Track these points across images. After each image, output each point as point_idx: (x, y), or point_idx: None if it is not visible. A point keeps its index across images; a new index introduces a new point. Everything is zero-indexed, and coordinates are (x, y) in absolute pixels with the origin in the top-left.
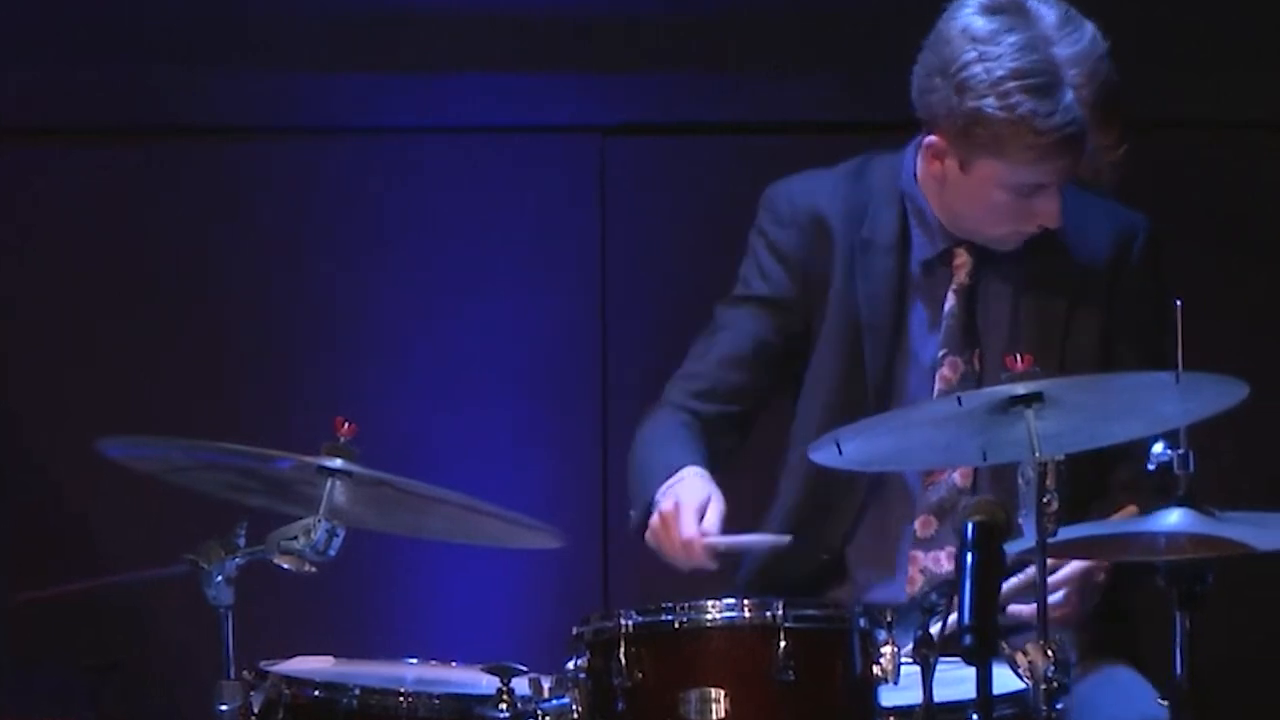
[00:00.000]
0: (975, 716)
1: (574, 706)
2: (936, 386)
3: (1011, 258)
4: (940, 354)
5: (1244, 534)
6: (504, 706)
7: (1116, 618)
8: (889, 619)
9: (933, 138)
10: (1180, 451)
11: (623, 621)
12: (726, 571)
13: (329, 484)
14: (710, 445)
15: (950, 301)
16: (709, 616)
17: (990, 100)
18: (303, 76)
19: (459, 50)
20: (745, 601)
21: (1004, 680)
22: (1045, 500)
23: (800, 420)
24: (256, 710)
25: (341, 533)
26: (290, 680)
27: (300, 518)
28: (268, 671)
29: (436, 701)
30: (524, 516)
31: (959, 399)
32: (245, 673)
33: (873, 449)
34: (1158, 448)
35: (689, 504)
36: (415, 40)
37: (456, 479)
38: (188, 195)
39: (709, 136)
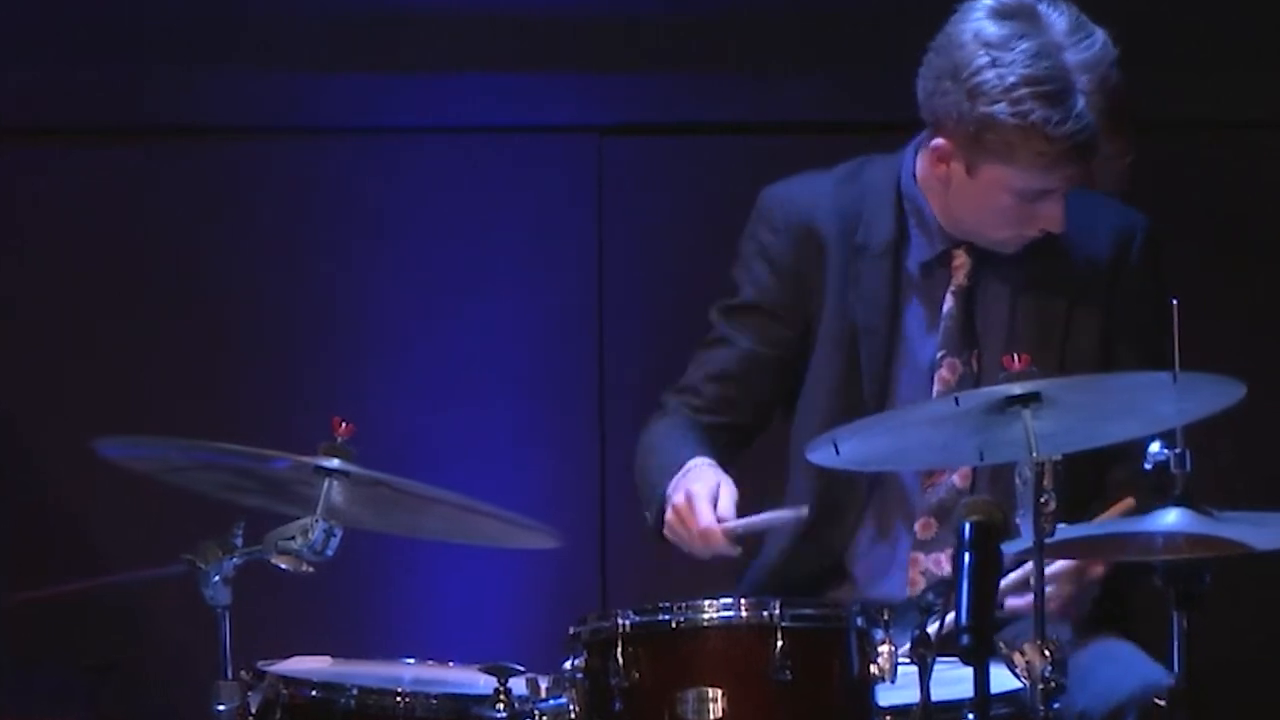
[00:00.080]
0: (972, 716)
1: (571, 706)
2: (935, 388)
3: (1010, 259)
4: (939, 355)
5: (1241, 533)
6: (501, 706)
7: (1115, 618)
8: (886, 618)
9: (939, 141)
10: (1177, 451)
11: (620, 621)
12: (727, 571)
13: (326, 484)
14: (715, 443)
15: (949, 303)
16: (706, 616)
17: (1002, 106)
18: (301, 77)
19: (457, 50)
20: (742, 601)
21: (1001, 680)
22: (1042, 500)
23: (800, 424)
24: (254, 710)
25: (339, 533)
26: (288, 680)
27: (297, 518)
28: (265, 671)
29: (434, 701)
30: (521, 516)
31: (956, 399)
32: (243, 673)
33: (870, 449)
34: (1154, 447)
35: (701, 493)
36: (413, 40)
37: (454, 479)
38: (186, 195)
39: (707, 136)
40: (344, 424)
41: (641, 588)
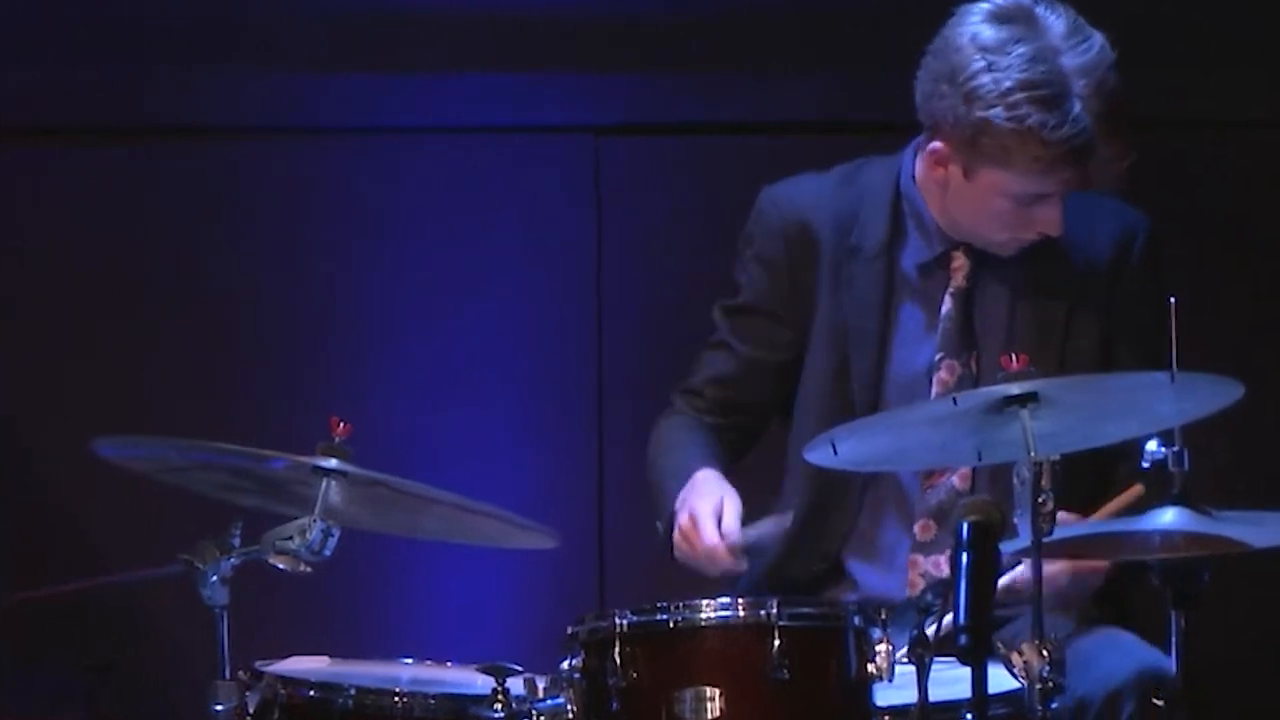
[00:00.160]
0: (970, 716)
1: (569, 706)
2: (934, 389)
3: (1010, 260)
4: (937, 357)
5: (1239, 532)
6: (499, 706)
7: (1116, 618)
8: (884, 618)
9: (936, 144)
10: (1175, 449)
11: (618, 621)
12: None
13: (324, 484)
14: (720, 442)
15: (947, 304)
16: (703, 616)
17: (998, 111)
18: (301, 77)
19: (455, 51)
20: (740, 600)
21: (999, 680)
22: (1040, 500)
23: (795, 427)
24: (252, 710)
25: (337, 533)
26: (285, 680)
27: (295, 518)
28: (263, 671)
29: (432, 701)
30: (519, 516)
31: (954, 399)
32: (240, 673)
33: (868, 449)
34: (1152, 445)
35: (704, 511)
36: (412, 41)
37: (452, 479)
38: (186, 195)
39: (705, 136)
40: (341, 424)
41: (639, 587)
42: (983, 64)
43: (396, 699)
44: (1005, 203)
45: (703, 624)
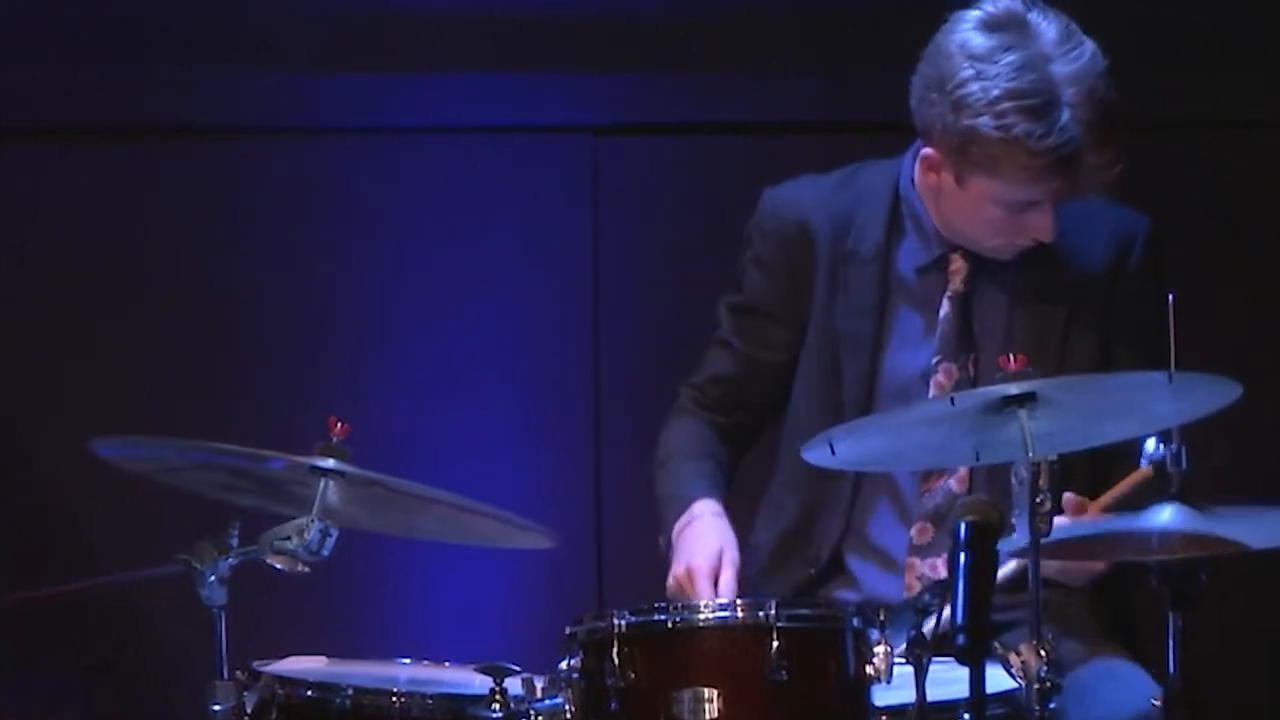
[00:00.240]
0: (968, 716)
1: (567, 706)
2: (931, 392)
3: (1008, 264)
4: (935, 360)
5: (1237, 532)
6: (497, 707)
7: (1116, 617)
8: (882, 618)
9: (929, 150)
10: (1173, 449)
11: (616, 621)
12: None
13: (322, 484)
14: (723, 440)
15: (945, 308)
16: (702, 616)
17: (985, 119)
18: (301, 77)
19: (454, 50)
20: (738, 601)
21: (997, 680)
22: (1038, 500)
23: (788, 431)
24: (249, 710)
25: (334, 533)
26: (283, 680)
27: (293, 518)
28: (261, 671)
29: (429, 702)
30: (517, 516)
31: (952, 399)
32: (238, 673)
33: (865, 449)
34: (1150, 445)
35: (701, 569)
36: (411, 41)
37: (449, 479)
38: (186, 195)
39: (704, 136)
40: (339, 424)
41: (637, 588)
42: (971, 72)
43: (394, 699)
44: (996, 209)
45: (701, 625)
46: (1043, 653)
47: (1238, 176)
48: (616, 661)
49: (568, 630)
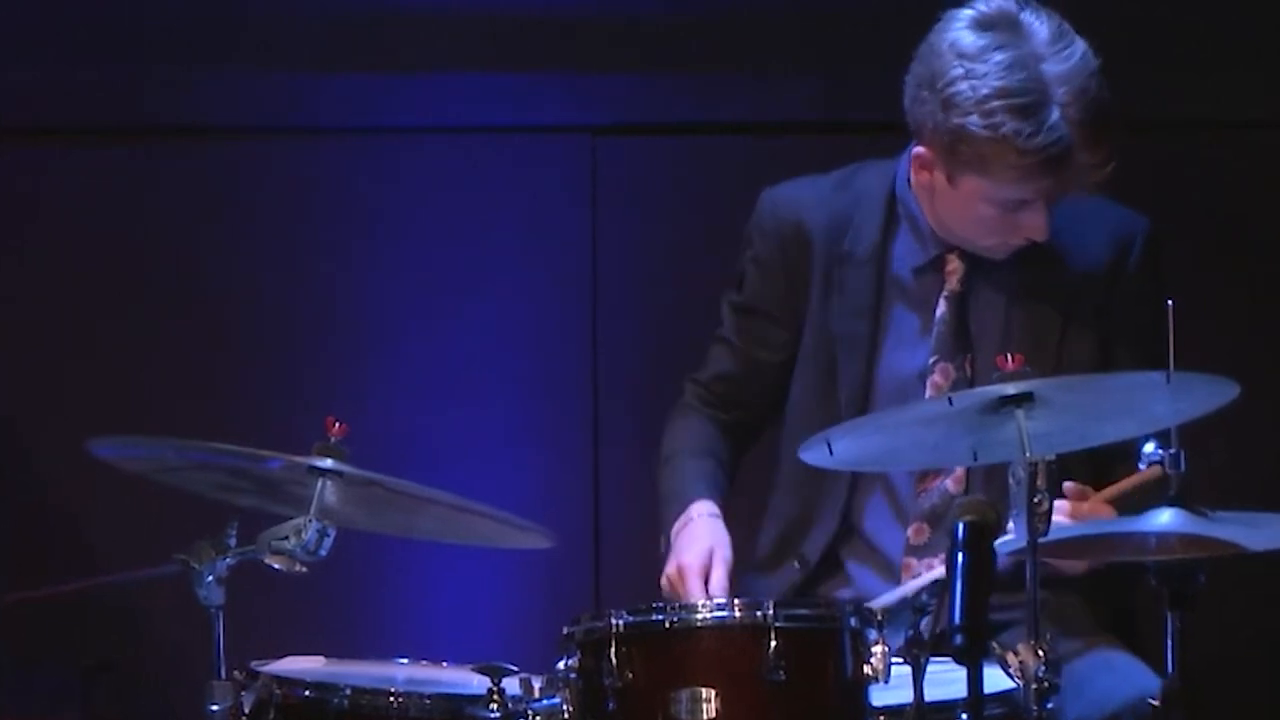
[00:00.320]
0: (966, 716)
1: (565, 706)
2: (928, 393)
3: (1005, 264)
4: (931, 360)
5: (1235, 534)
6: (495, 706)
7: (1115, 617)
8: (880, 618)
9: (921, 149)
10: (1171, 451)
11: (614, 621)
12: None
13: (320, 484)
14: (725, 437)
15: (942, 308)
16: (700, 616)
17: (974, 118)
18: (301, 77)
19: (454, 50)
20: (736, 601)
21: (994, 680)
22: (1036, 500)
23: (786, 432)
24: (247, 710)
25: (332, 533)
26: (281, 680)
27: (291, 518)
28: (259, 671)
29: (427, 701)
30: (515, 516)
31: (950, 399)
32: (236, 673)
33: (863, 449)
34: (1149, 447)
35: (692, 568)
36: (411, 41)
37: (447, 479)
38: (186, 195)
39: (704, 136)
40: (337, 424)
41: (635, 588)
42: (961, 71)
43: (392, 699)
44: (988, 208)
45: (699, 625)
46: (1041, 653)
47: (1238, 176)
48: (614, 661)
49: (565, 630)
